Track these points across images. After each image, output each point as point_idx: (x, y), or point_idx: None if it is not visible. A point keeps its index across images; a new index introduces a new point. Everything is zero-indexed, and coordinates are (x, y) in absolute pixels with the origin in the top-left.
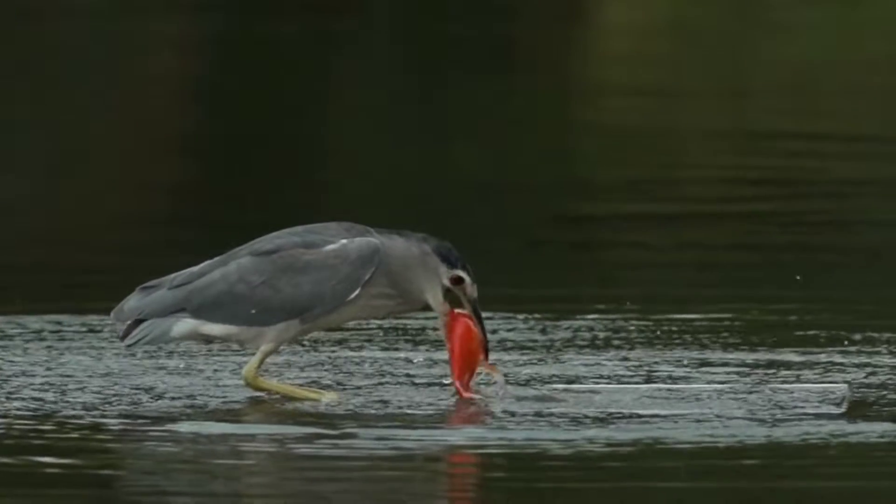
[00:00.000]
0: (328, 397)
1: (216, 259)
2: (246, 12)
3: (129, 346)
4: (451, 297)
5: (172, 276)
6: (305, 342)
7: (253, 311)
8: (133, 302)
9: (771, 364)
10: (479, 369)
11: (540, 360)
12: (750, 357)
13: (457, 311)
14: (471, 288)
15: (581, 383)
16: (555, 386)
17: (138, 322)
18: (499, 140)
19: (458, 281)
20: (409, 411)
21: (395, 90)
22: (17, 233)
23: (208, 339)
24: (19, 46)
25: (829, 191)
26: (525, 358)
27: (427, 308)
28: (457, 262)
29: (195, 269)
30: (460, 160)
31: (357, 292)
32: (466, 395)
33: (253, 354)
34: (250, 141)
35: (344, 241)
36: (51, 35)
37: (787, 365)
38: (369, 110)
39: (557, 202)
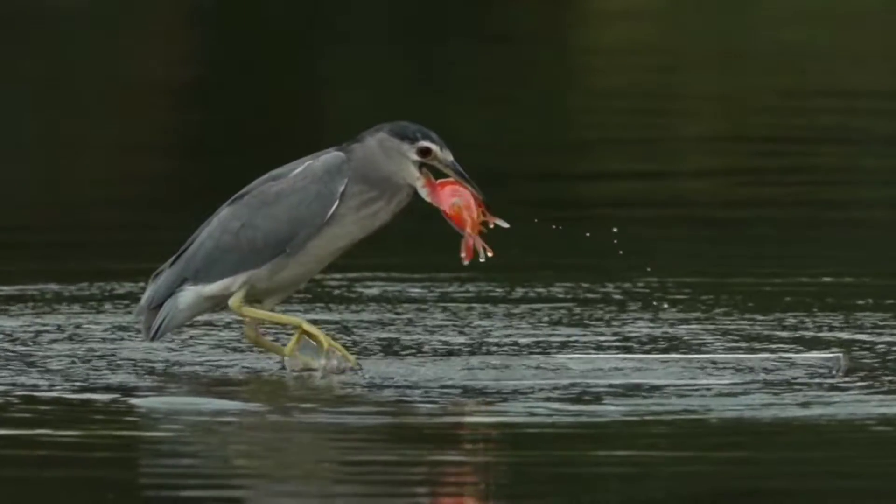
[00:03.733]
0: (318, 337)
1: (203, 223)
2: None
3: (154, 339)
4: (436, 173)
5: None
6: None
7: (243, 256)
8: (147, 293)
9: (766, 331)
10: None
11: (536, 324)
12: (744, 324)
13: (439, 181)
14: (441, 153)
15: (574, 352)
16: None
17: (156, 313)
18: (495, 103)
19: (425, 152)
20: (411, 383)
21: (391, 57)
22: (9, 197)
23: (216, 302)
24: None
25: (828, 149)
26: (516, 323)
27: (416, 193)
28: (416, 135)
29: (188, 241)
30: (456, 124)
31: (335, 206)
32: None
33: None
34: (247, 106)
35: (308, 162)
36: (50, 9)
37: (783, 331)
38: (364, 76)
39: (554, 163)
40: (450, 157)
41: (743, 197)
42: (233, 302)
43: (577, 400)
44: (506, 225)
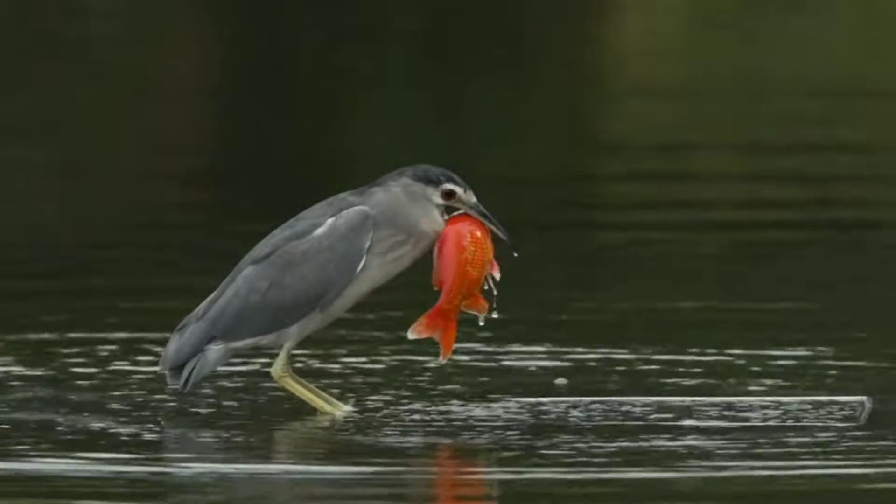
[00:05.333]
0: (343, 411)
1: (226, 279)
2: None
3: (183, 391)
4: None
5: (197, 309)
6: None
7: (272, 315)
8: (172, 347)
9: (787, 370)
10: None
11: (546, 353)
12: (761, 362)
13: (453, 215)
14: (465, 195)
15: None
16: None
17: (182, 366)
18: (511, 131)
19: (450, 195)
20: (422, 436)
21: (409, 85)
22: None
23: (244, 352)
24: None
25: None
26: (531, 351)
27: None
28: (440, 178)
29: (213, 295)
30: (474, 153)
31: (363, 262)
32: (447, 343)
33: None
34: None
35: (331, 219)
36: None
37: (804, 372)
38: (383, 104)
39: (571, 197)
40: (473, 199)
41: (769, 217)
42: (275, 370)
43: (592, 455)
44: (497, 276)
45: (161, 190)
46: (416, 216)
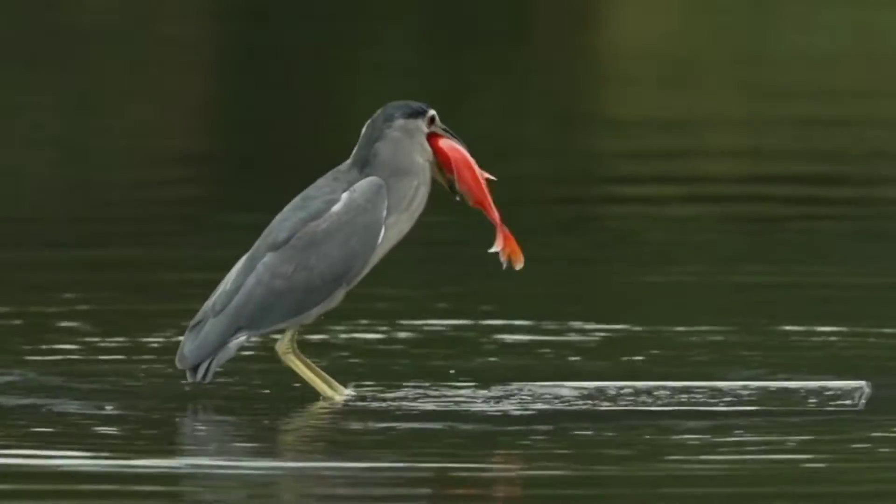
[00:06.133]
0: (344, 395)
1: (240, 267)
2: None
3: (203, 382)
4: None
5: (209, 302)
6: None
7: (298, 297)
8: (189, 345)
9: (783, 356)
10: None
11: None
12: (758, 345)
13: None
14: (437, 118)
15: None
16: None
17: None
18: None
19: (432, 120)
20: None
21: (408, 68)
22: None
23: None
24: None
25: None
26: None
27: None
28: (423, 108)
29: (227, 287)
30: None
31: (384, 230)
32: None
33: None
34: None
35: (345, 194)
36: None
37: (802, 357)
38: (384, 83)
39: (568, 176)
40: (440, 123)
41: (774, 195)
42: (279, 347)
43: (583, 453)
44: (493, 178)
45: (157, 168)
46: (414, 152)
